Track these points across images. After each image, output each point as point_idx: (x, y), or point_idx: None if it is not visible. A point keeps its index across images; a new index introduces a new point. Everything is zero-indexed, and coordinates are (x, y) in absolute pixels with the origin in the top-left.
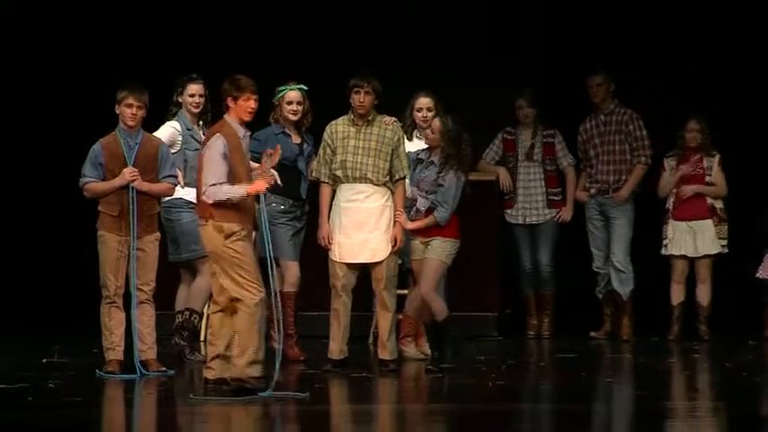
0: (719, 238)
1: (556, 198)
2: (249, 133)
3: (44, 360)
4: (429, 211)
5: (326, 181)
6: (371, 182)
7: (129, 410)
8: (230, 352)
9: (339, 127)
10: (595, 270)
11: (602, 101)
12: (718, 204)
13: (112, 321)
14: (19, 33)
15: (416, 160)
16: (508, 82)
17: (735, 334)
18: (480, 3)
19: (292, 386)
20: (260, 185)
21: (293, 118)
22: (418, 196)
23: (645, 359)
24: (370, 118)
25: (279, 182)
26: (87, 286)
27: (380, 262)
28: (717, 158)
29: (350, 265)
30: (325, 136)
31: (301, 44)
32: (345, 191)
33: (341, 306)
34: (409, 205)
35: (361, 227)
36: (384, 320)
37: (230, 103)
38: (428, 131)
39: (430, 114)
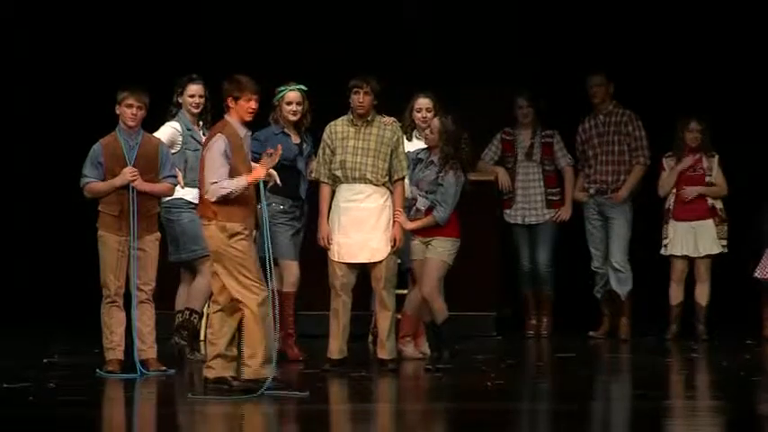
0: (720, 239)
1: (555, 198)
2: (250, 133)
3: (45, 359)
4: (429, 210)
5: (326, 181)
6: (371, 182)
7: (129, 410)
8: (231, 351)
9: (338, 127)
10: (594, 270)
11: (601, 101)
12: (719, 204)
13: (113, 321)
14: (19, 34)
15: (416, 160)
16: (508, 82)
17: (733, 333)
18: (480, 3)
19: (292, 385)
20: (258, 171)
21: (293, 118)
22: (418, 196)
23: (643, 359)
24: (369, 118)
25: (278, 182)
26: (88, 286)
27: (380, 262)
28: (716, 158)
29: (349, 265)
30: (325, 136)
31: (301, 44)
32: (345, 191)
33: (340, 306)
34: (409, 205)
35: (361, 227)
36: (383, 320)
37: (231, 103)
38: (427, 131)
39: (429, 115)
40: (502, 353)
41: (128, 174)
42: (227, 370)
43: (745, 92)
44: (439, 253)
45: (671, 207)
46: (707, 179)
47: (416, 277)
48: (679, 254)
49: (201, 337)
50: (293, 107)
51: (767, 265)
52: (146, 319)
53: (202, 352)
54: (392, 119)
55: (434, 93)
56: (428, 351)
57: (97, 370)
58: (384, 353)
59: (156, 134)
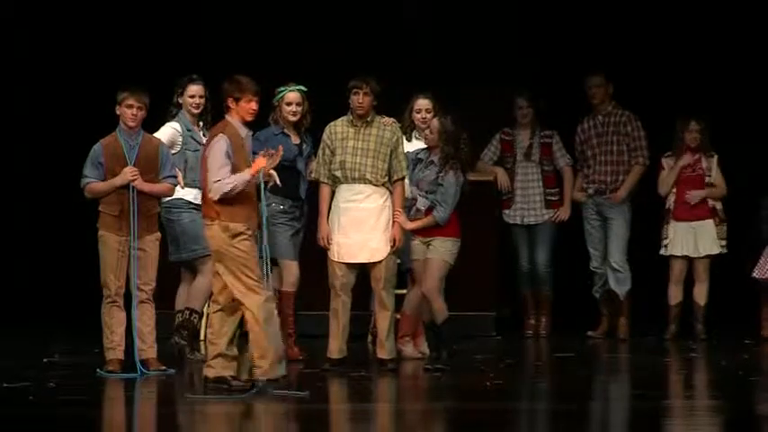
0: (719, 239)
1: (553, 198)
2: (251, 133)
3: (45, 359)
4: (429, 210)
5: (326, 181)
6: (370, 182)
7: (129, 409)
8: (231, 351)
9: (338, 128)
10: (593, 270)
11: (600, 102)
12: (718, 205)
13: (113, 321)
14: (19, 34)
15: (416, 160)
16: (508, 82)
17: (731, 333)
18: (480, 3)
19: (292, 385)
20: (259, 162)
21: (292, 119)
22: (418, 196)
23: (642, 358)
24: (368, 119)
25: (278, 182)
26: (88, 286)
27: (379, 262)
28: (715, 159)
29: (349, 265)
30: (325, 137)
31: (301, 44)
32: (344, 191)
33: (340, 306)
34: (409, 205)
35: (360, 227)
36: (382, 320)
37: (231, 104)
38: (427, 132)
39: (429, 116)
40: (501, 353)
41: (128, 173)
42: (227, 369)
43: (745, 92)
44: (441, 253)
45: (671, 207)
46: (706, 179)
47: (416, 277)
48: (679, 254)
49: (201, 337)
50: (293, 108)
51: (765, 265)
52: (146, 318)
53: (202, 352)
54: (391, 119)
55: (434, 93)
56: (427, 351)
57: (97, 369)
58: (383, 353)
59: (157, 134)
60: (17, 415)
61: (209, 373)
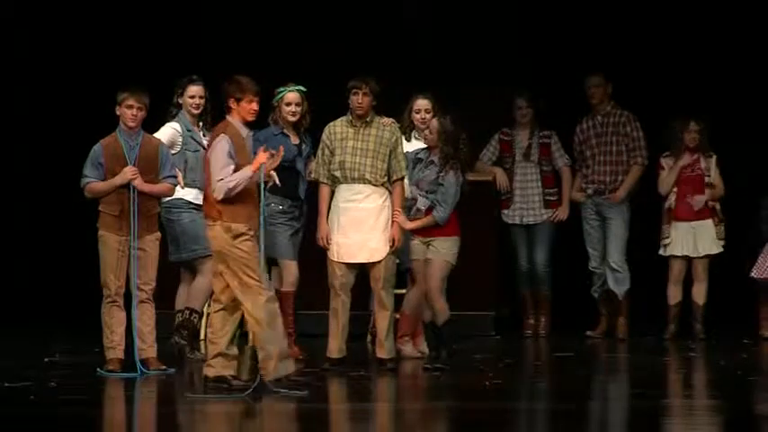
0: (719, 239)
1: (552, 198)
2: (252, 133)
3: (45, 359)
4: (429, 210)
5: (325, 181)
6: (370, 182)
7: (129, 409)
8: (231, 350)
9: (337, 128)
10: (591, 270)
11: (599, 102)
12: (717, 205)
13: (113, 320)
14: (19, 34)
15: (416, 160)
16: (507, 82)
17: (730, 333)
18: (480, 3)
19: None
20: (260, 157)
21: (292, 119)
22: (418, 196)
23: (641, 358)
24: (368, 119)
25: (278, 182)
26: (88, 286)
27: (379, 261)
28: (714, 159)
29: (348, 265)
30: (324, 137)
31: (301, 44)
32: (344, 191)
33: (339, 305)
34: (409, 205)
35: (360, 227)
36: (382, 320)
37: (232, 104)
38: (426, 132)
39: (428, 116)
40: (500, 352)
41: (128, 173)
42: (227, 369)
43: (744, 92)
44: (442, 254)
45: (672, 207)
46: (706, 180)
47: (416, 277)
48: (679, 254)
49: (201, 337)
50: (292, 108)
51: (764, 264)
52: (146, 318)
53: (202, 351)
54: (391, 119)
55: (433, 93)
56: (426, 350)
57: (98, 369)
58: (383, 352)
59: (157, 135)
60: (18, 414)
61: (210, 372)
